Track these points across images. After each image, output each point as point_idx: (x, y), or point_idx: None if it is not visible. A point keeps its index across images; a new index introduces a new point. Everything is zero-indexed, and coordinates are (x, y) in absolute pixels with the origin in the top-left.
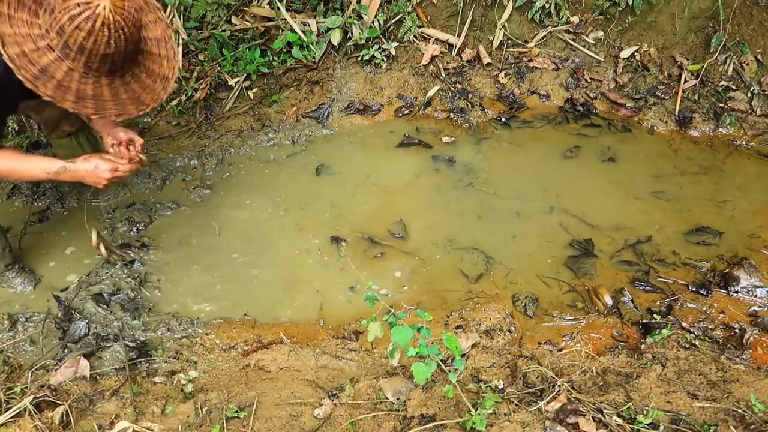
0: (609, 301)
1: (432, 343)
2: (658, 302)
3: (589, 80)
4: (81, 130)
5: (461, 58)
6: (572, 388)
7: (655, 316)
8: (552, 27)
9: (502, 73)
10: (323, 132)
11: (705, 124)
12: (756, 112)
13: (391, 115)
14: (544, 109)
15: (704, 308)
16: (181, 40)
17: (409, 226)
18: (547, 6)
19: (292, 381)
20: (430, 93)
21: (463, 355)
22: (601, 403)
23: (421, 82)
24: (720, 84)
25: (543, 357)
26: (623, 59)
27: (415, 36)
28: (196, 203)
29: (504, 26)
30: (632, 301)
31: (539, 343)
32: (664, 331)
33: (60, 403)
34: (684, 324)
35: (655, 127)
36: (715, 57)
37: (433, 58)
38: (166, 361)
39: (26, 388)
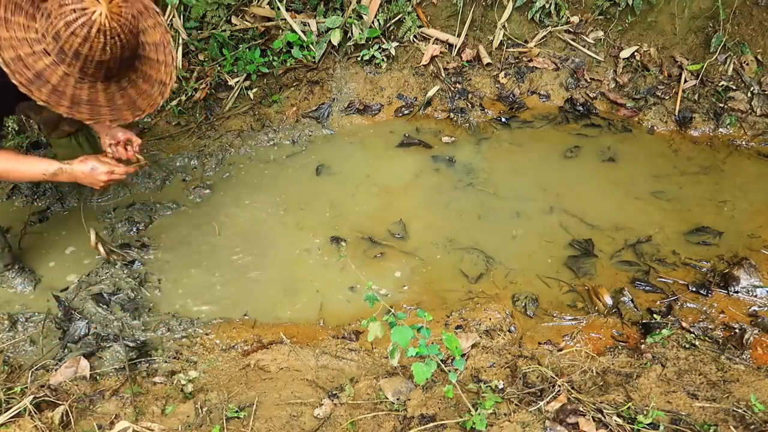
0: (609, 301)
1: (432, 343)
2: (658, 302)
3: (589, 80)
4: (80, 130)
5: (461, 58)
6: (572, 388)
7: (655, 316)
8: (552, 27)
9: (502, 73)
10: (323, 132)
11: (705, 124)
12: (756, 112)
13: (391, 115)
14: (544, 109)
15: (704, 308)
16: (181, 40)
17: (409, 226)
18: (547, 6)
19: (292, 381)
20: (430, 93)
21: (463, 355)
22: (601, 403)
23: (421, 82)
24: (720, 84)
25: (543, 357)
26: (623, 59)
27: (415, 36)
28: (196, 203)
29: (504, 26)
30: (632, 301)
31: (539, 343)
32: (664, 331)
33: (60, 403)
34: (684, 324)
35: (655, 127)
36: (715, 57)
37: (433, 58)
38: (166, 361)
39: (26, 388)
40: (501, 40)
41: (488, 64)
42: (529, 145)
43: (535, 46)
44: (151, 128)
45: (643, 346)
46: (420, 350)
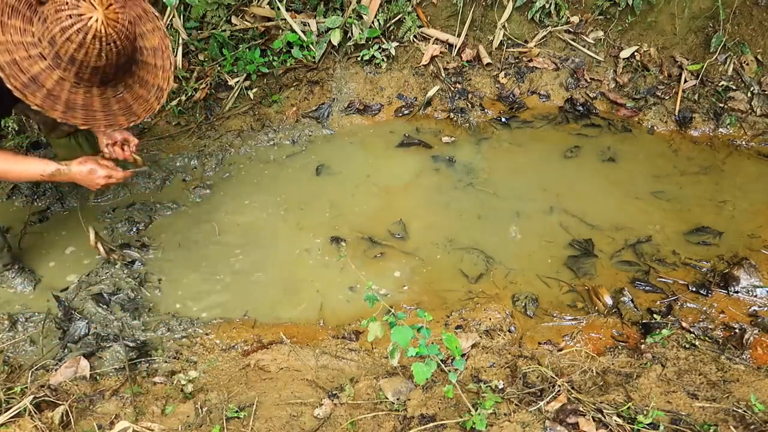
0: (609, 301)
1: (432, 343)
2: (658, 302)
3: (589, 80)
4: (80, 129)
5: (461, 58)
6: (572, 388)
7: (655, 316)
8: (552, 27)
9: (502, 73)
10: (323, 132)
11: (705, 124)
12: (756, 112)
13: (391, 115)
14: (544, 109)
15: (704, 308)
16: (181, 40)
17: (409, 226)
18: (547, 6)
19: (292, 381)
20: (430, 93)
21: (463, 355)
22: (601, 403)
23: (421, 82)
24: (720, 84)
25: (543, 357)
26: (623, 59)
27: (415, 36)
28: (196, 203)
29: (504, 26)
30: (632, 301)
31: (539, 343)
32: (664, 331)
33: (60, 403)
34: (684, 324)
35: (655, 127)
36: (715, 57)
37: (433, 58)
38: (166, 361)
39: (26, 388)
40: (501, 40)
41: (488, 64)
42: (529, 145)
43: (535, 46)
44: (151, 128)
45: (643, 346)
46: (420, 350)
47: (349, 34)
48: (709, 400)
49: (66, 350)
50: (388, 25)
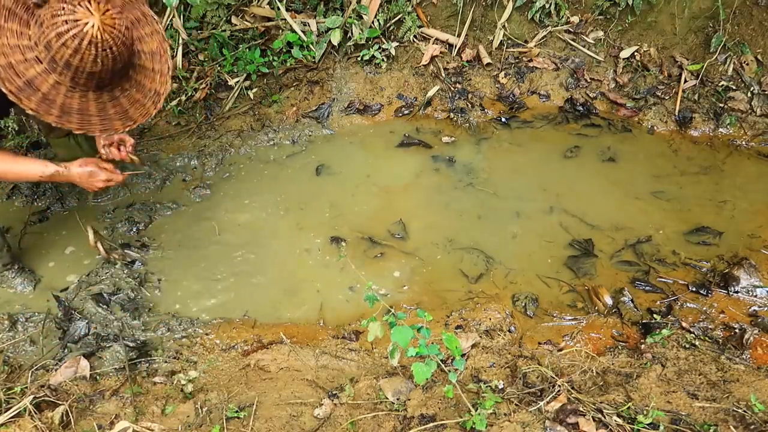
0: (609, 301)
1: (432, 343)
2: (658, 302)
3: (589, 80)
4: None
5: (461, 58)
6: (572, 388)
7: (655, 316)
8: (552, 27)
9: (502, 73)
10: (323, 132)
11: (705, 124)
12: (756, 112)
13: (391, 115)
14: (544, 109)
15: (704, 308)
16: (181, 40)
17: (409, 226)
18: (547, 6)
19: (292, 381)
20: (430, 93)
21: (463, 355)
22: (601, 403)
23: (421, 82)
24: (720, 84)
25: (543, 357)
26: (623, 59)
27: (415, 36)
28: (196, 203)
29: (504, 26)
30: (632, 301)
31: (539, 343)
32: (664, 331)
33: (60, 403)
34: (684, 324)
35: (655, 127)
36: (715, 57)
37: (433, 58)
38: (166, 361)
39: (26, 388)
40: (501, 40)
41: (488, 64)
42: (529, 145)
43: (535, 46)
44: (151, 128)
45: (643, 346)
46: (420, 350)
47: (349, 34)
48: (709, 400)
49: (66, 350)
50: (388, 25)
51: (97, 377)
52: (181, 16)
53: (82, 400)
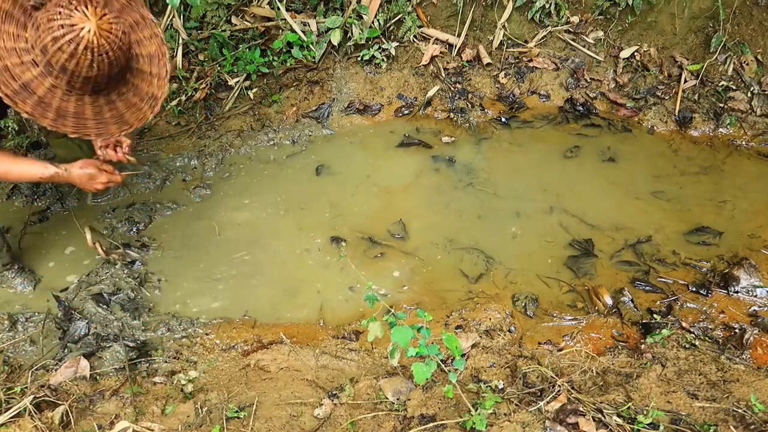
0: (609, 301)
1: (432, 343)
2: (658, 302)
3: (589, 80)
4: None
5: (461, 58)
6: (572, 388)
7: (655, 316)
8: (552, 27)
9: (502, 73)
10: (323, 132)
11: (705, 124)
12: (756, 112)
13: (391, 115)
14: (544, 109)
15: (704, 308)
16: (181, 40)
17: (409, 226)
18: (547, 6)
19: (292, 381)
20: (430, 93)
21: (463, 355)
22: (601, 403)
23: (421, 82)
24: (720, 84)
25: (543, 357)
26: (623, 59)
27: (415, 36)
28: (196, 203)
29: (504, 26)
30: (632, 301)
31: (539, 343)
32: (664, 331)
33: (60, 403)
34: (684, 324)
35: (655, 127)
36: (715, 57)
37: (433, 58)
38: (166, 361)
39: (26, 388)
40: (501, 40)
41: (488, 64)
42: (529, 145)
43: (535, 46)
44: (151, 128)
45: (643, 346)
46: (420, 350)
47: (349, 34)
48: (709, 400)
49: (66, 350)
50: (388, 25)
51: (97, 377)
52: (181, 16)
53: (82, 400)
